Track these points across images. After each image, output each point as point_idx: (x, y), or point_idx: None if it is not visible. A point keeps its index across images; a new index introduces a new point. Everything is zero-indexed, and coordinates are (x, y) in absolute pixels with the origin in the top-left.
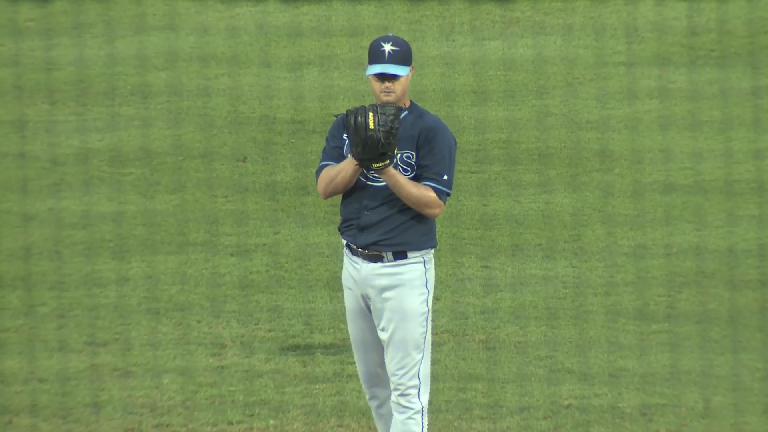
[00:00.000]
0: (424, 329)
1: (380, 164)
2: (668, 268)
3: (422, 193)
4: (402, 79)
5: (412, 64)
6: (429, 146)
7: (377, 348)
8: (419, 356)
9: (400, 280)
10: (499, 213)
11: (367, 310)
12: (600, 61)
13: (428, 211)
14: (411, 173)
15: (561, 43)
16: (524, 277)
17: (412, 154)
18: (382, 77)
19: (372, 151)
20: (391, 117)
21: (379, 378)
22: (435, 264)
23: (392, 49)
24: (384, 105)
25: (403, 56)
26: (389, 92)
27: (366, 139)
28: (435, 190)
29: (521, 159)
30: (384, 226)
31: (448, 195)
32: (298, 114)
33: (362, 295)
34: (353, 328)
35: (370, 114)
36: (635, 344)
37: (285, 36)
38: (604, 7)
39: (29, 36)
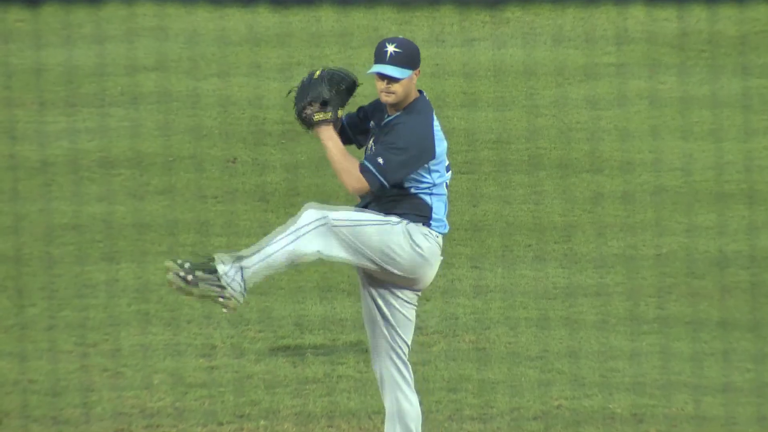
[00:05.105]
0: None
1: (322, 116)
2: (658, 270)
3: (347, 161)
4: (403, 81)
5: (418, 69)
6: (388, 133)
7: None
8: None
9: None
10: (489, 214)
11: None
12: (590, 63)
13: (343, 178)
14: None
15: (551, 44)
16: (514, 278)
17: None
18: (382, 77)
19: (305, 92)
20: (341, 74)
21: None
22: (424, 237)
23: (394, 51)
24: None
25: (406, 59)
26: (389, 93)
27: (306, 82)
28: (362, 166)
29: (511, 160)
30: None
31: (381, 180)
32: (287, 115)
33: None
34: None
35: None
36: (626, 346)
37: (274, 37)
38: (594, 9)
39: (19, 38)
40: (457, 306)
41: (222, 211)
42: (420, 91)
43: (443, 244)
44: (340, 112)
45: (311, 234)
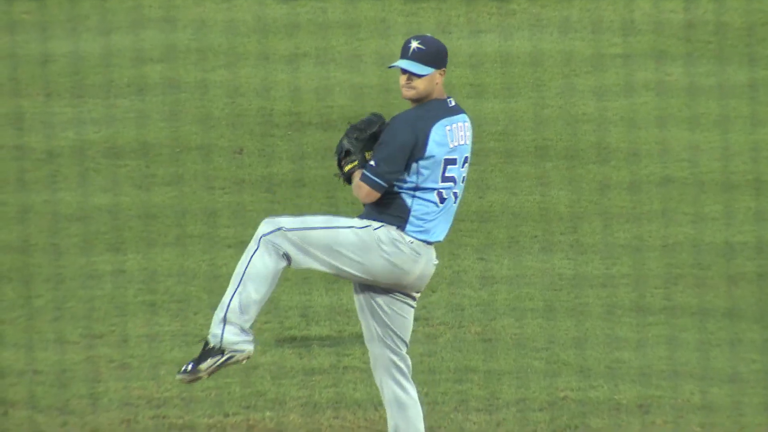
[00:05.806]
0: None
1: (350, 165)
2: (665, 260)
3: (355, 182)
4: (425, 78)
5: (443, 69)
6: (384, 130)
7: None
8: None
9: None
10: (495, 205)
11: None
12: (597, 54)
13: (357, 194)
14: None
15: (558, 35)
16: (521, 269)
17: None
18: (403, 72)
19: (338, 148)
20: (364, 122)
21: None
22: (392, 243)
23: (417, 47)
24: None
25: (428, 56)
26: (410, 88)
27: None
28: (362, 175)
29: (518, 151)
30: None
31: (376, 180)
32: (295, 106)
33: None
34: None
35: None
36: (632, 337)
37: (282, 28)
38: None
39: (25, 29)
40: (463, 297)
41: (229, 202)
42: (448, 97)
43: (430, 248)
44: (368, 155)
45: (270, 244)
